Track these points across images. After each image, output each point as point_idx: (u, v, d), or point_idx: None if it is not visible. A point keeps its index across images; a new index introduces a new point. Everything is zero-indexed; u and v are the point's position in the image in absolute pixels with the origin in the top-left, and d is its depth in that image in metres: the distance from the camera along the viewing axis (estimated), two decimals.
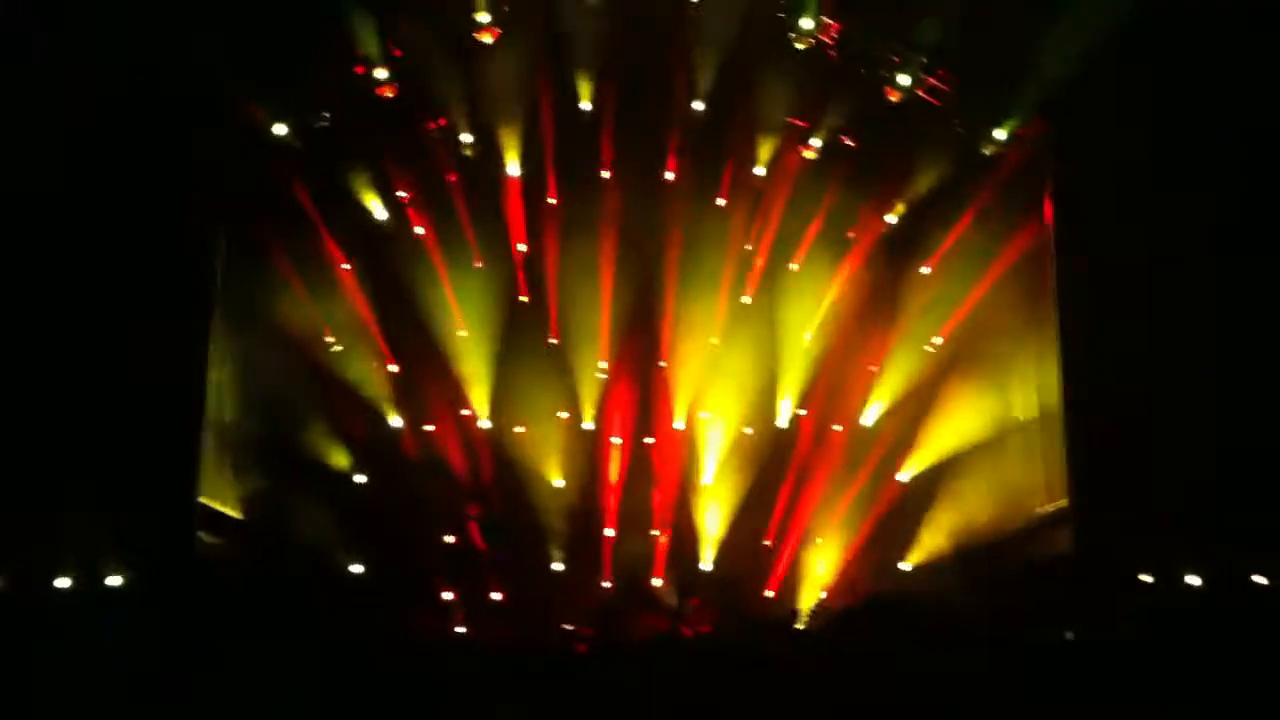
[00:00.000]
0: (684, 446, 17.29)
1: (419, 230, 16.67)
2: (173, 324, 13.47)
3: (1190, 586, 13.07)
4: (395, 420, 16.95)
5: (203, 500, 13.98)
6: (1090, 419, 13.84)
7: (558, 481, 17.17)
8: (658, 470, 17.30)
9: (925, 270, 16.45)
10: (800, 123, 16.37)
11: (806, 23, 14.44)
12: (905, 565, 16.18)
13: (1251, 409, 12.99)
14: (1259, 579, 12.91)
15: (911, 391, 16.65)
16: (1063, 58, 13.24)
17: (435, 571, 16.24)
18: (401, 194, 16.56)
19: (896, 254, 16.78)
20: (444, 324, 16.82)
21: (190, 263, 13.75)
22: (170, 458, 13.40)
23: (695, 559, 16.92)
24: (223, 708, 9.88)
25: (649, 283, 17.11)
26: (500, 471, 17.14)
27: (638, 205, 16.87)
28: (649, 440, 17.46)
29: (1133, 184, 13.62)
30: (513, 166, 16.55)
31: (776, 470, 17.15)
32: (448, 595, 16.05)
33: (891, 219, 16.64)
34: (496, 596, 16.44)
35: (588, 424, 17.24)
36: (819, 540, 16.83)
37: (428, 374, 16.96)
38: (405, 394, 17.03)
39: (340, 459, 16.38)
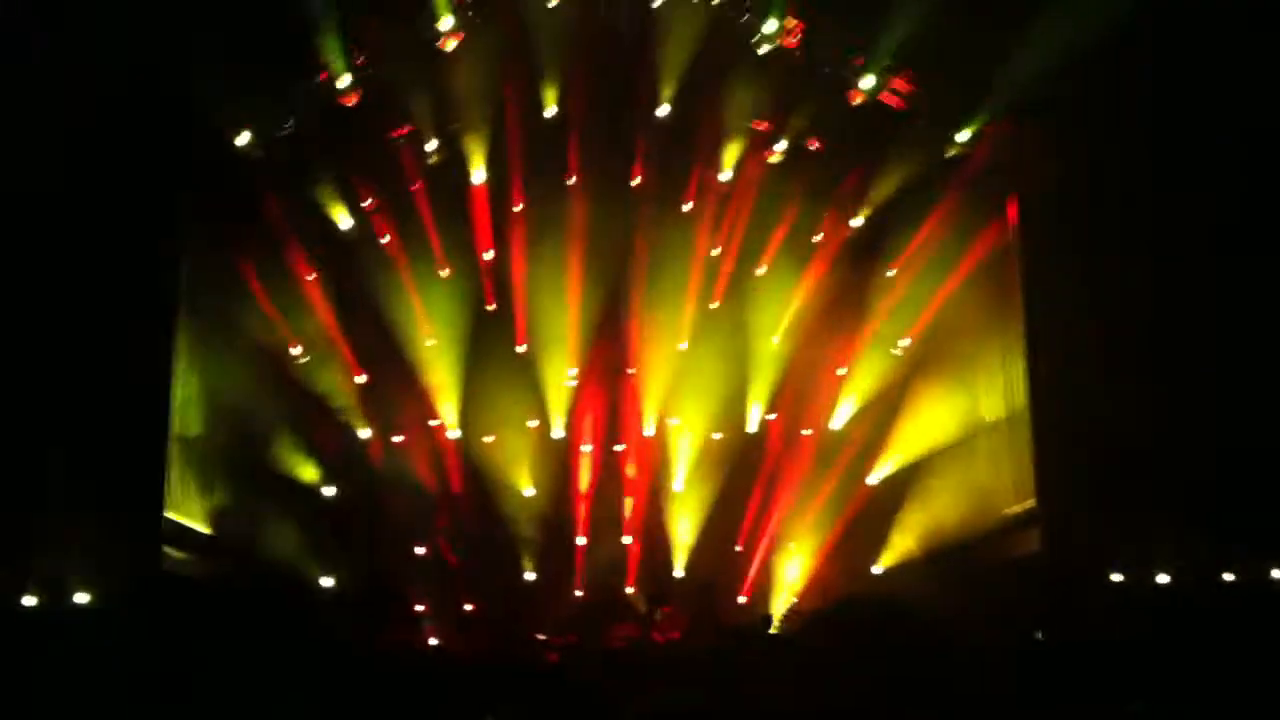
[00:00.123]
0: (654, 453, 17.28)
1: (385, 239, 16.56)
2: (137, 336, 13.31)
3: (1160, 584, 13.15)
4: (364, 431, 16.85)
5: (169, 515, 13.81)
6: (1057, 418, 13.90)
7: (528, 490, 17.12)
8: (627, 477, 17.28)
9: (891, 273, 16.49)
10: (764, 126, 16.37)
11: (770, 26, 14.44)
12: (876, 568, 16.21)
13: (1219, 405, 13.10)
14: (1228, 575, 13.03)
15: (879, 394, 16.69)
16: (1027, 58, 13.30)
17: (406, 582, 16.15)
18: (366, 202, 16.44)
19: (862, 256, 16.79)
20: (411, 333, 16.74)
21: (153, 274, 13.57)
22: (136, 473, 13.21)
23: (667, 565, 16.91)
24: None
25: (616, 289, 17.10)
26: (470, 481, 17.10)
27: (603, 211, 16.82)
28: (619, 447, 17.44)
29: (1097, 183, 13.71)
30: (478, 173, 16.47)
31: (746, 475, 17.17)
32: (419, 606, 15.97)
33: (857, 222, 16.68)
34: (468, 607, 16.38)
35: (557, 432, 17.21)
36: (791, 545, 16.84)
37: (395, 384, 16.87)
38: (373, 404, 16.95)
39: (308, 471, 16.27)
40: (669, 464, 17.26)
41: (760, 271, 17.17)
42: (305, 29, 13.77)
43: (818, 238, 17.00)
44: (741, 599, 16.83)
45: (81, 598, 12.49)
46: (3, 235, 12.80)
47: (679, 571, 16.88)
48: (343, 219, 16.19)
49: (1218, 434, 13.14)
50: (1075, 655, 11.04)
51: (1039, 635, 12.61)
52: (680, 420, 17.31)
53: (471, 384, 16.94)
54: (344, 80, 14.26)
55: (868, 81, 14.68)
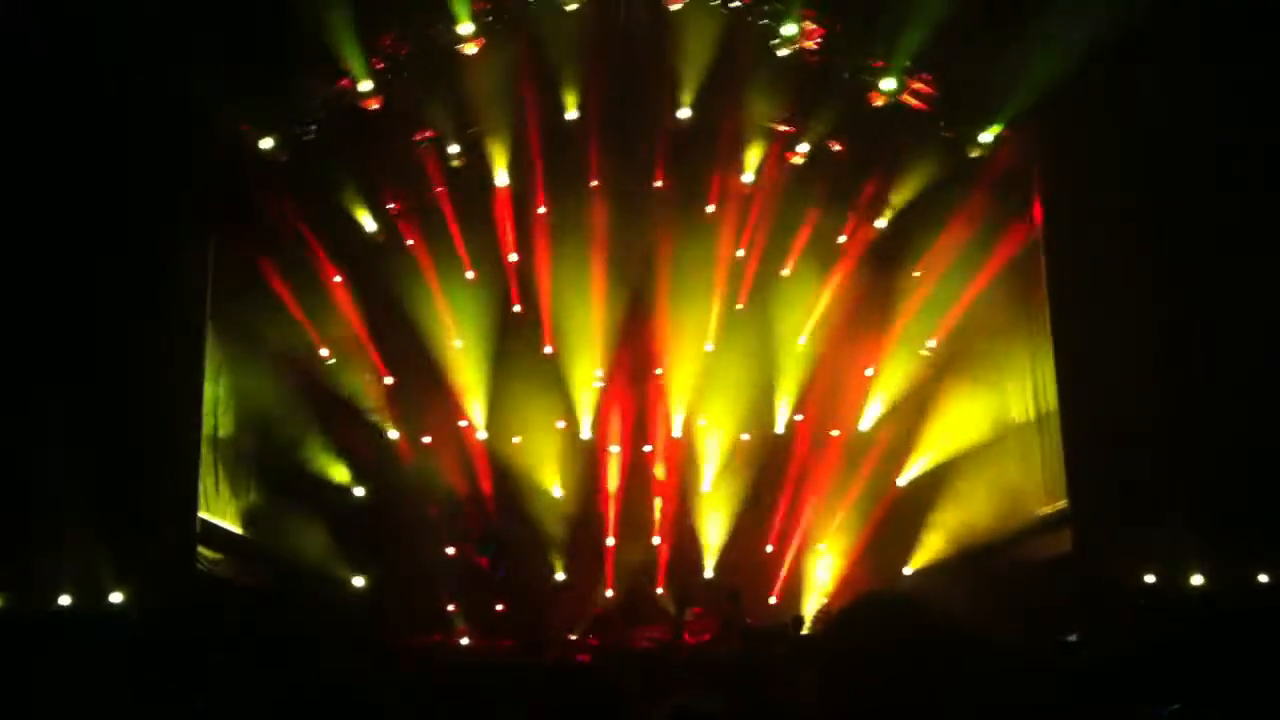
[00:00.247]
0: (682, 454, 17.27)
1: (409, 242, 16.63)
2: (169, 339, 13.40)
3: (1194, 586, 13.01)
4: (392, 432, 16.92)
5: (202, 516, 13.91)
6: (1087, 418, 13.77)
7: (556, 491, 17.15)
8: (656, 478, 17.28)
9: (917, 273, 16.42)
10: (787, 128, 16.31)
11: (789, 29, 14.39)
12: (907, 569, 16.12)
13: (1251, 404, 12.93)
14: (1262, 577, 12.87)
15: (908, 395, 16.63)
16: (1049, 59, 13.19)
17: (437, 583, 16.21)
18: (390, 206, 16.52)
19: (887, 257, 16.74)
20: (438, 335, 16.81)
21: (183, 278, 13.66)
22: (170, 474, 13.31)
23: (696, 567, 16.89)
24: None
25: (640, 290, 17.10)
26: (498, 482, 17.13)
27: (626, 213, 16.83)
28: (647, 448, 17.43)
29: (1120, 183, 13.58)
30: (501, 176, 16.49)
31: (775, 476, 17.15)
32: (450, 607, 16.02)
33: (881, 223, 16.60)
34: (498, 608, 16.40)
35: (585, 433, 17.22)
36: (822, 546, 16.80)
37: (423, 386, 16.95)
38: (401, 406, 17.03)
39: (338, 472, 16.35)
40: (697, 465, 17.26)
41: (785, 273, 17.14)
42: (327, 34, 13.79)
43: (842, 239, 16.97)
44: (772, 600, 16.81)
45: (116, 597, 12.59)
46: (38, 240, 12.91)
47: (709, 573, 16.86)
48: (367, 222, 16.27)
49: (1250, 433, 12.99)
50: (1107, 657, 10.93)
51: (1071, 637, 12.50)
52: (708, 421, 17.30)
53: (499, 385, 17.00)
54: (365, 85, 14.34)
55: (888, 83, 14.58)
